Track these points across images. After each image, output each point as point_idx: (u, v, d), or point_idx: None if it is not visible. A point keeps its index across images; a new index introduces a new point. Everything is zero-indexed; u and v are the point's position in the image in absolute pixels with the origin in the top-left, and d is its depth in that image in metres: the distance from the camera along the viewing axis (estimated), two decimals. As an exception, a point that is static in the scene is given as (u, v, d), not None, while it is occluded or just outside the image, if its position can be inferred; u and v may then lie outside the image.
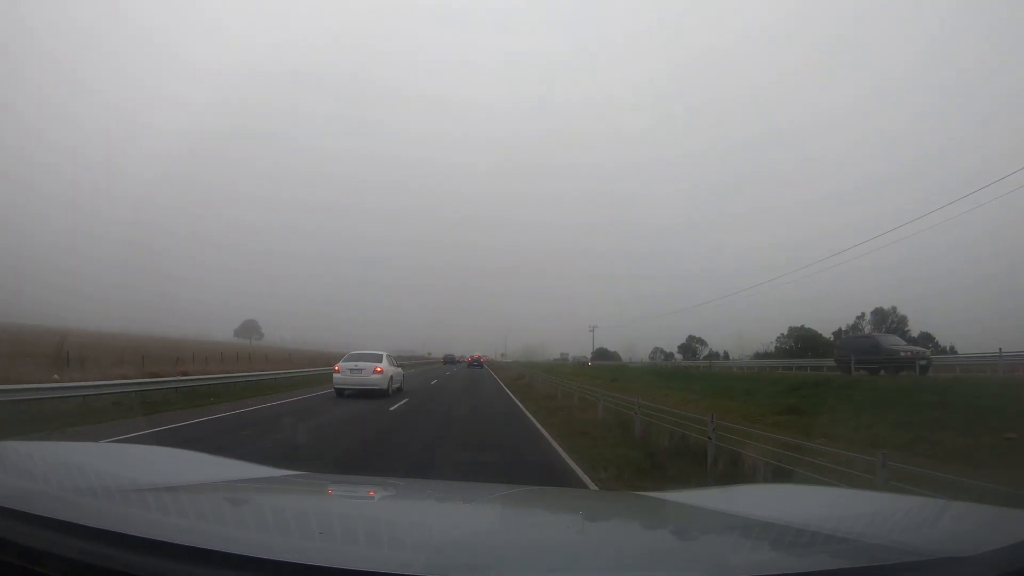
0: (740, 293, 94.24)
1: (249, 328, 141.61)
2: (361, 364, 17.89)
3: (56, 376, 15.09)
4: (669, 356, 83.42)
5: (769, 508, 1.97)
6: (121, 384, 13.99)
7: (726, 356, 70.22)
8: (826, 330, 50.89)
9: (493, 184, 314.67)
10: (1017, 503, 3.73)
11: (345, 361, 18.37)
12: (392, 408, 15.02)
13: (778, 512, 1.83)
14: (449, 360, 79.96)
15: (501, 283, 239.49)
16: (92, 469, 1.84)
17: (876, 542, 1.38)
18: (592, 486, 6.95)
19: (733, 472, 7.15)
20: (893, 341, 24.83)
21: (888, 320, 52.78)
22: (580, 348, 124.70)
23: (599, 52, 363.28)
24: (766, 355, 54.86)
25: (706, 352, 76.64)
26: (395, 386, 19.09)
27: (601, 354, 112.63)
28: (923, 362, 21.46)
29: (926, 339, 43.99)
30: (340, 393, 17.66)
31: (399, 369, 20.88)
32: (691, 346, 77.61)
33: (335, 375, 18.12)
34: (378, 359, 18.29)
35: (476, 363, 71.65)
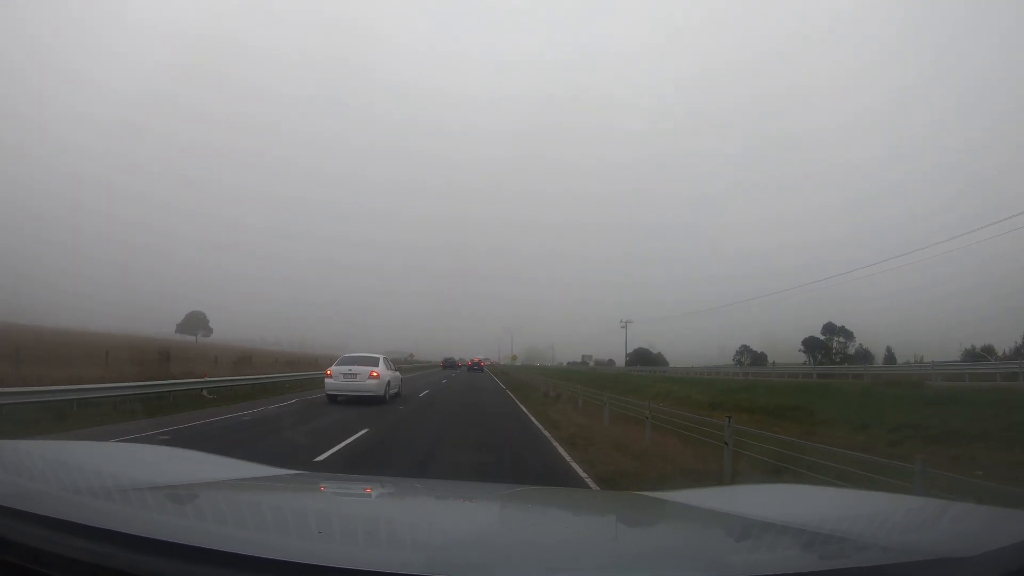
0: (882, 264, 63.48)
1: (194, 322, 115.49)
2: (356, 368, 16.20)
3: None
4: (761, 357, 56.55)
5: (769, 508, 1.96)
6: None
7: (890, 358, 43.52)
8: None
9: (493, 181, 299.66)
10: (1017, 503, 3.73)
11: (338, 365, 16.68)
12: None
13: (778, 512, 1.83)
14: (449, 364, 71.82)
15: (505, 284, 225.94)
16: (92, 468, 1.82)
17: (876, 542, 1.38)
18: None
19: None
20: None
21: None
22: (598, 350, 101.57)
23: (616, 51, 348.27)
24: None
25: (853, 348, 49.75)
26: (392, 391, 17.53)
27: (640, 357, 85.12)
28: None
29: None
30: (333, 399, 16.06)
31: (397, 373, 19.10)
32: (827, 342, 50.75)
33: (327, 380, 16.40)
34: (374, 363, 16.66)
35: (476, 367, 66.79)
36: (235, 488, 2.06)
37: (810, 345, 50.75)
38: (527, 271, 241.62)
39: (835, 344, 51.06)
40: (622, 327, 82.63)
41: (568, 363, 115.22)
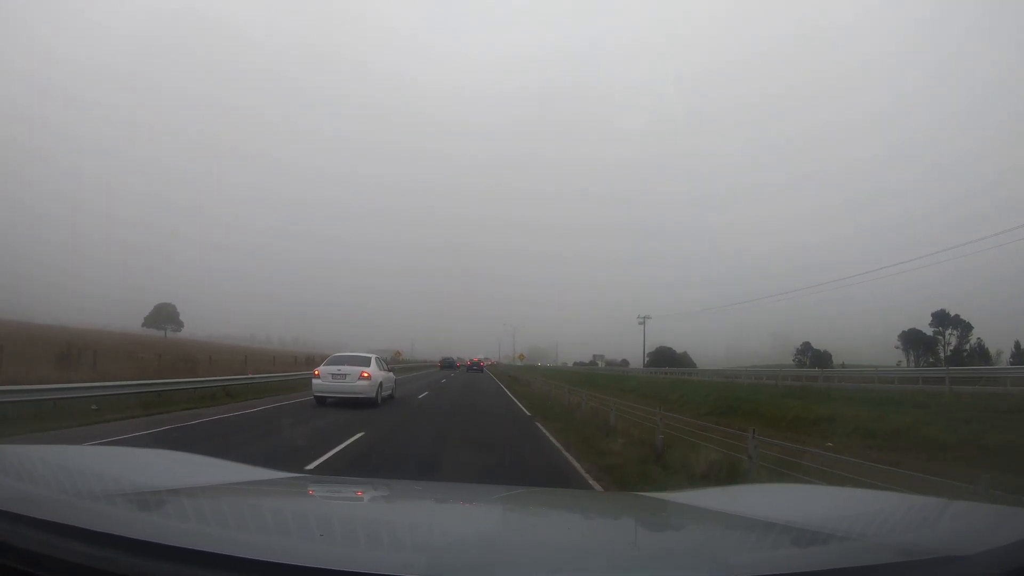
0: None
1: (163, 315, 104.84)
2: (345, 368, 15.22)
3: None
4: (825, 357, 46.20)
5: (770, 508, 1.94)
6: None
7: (1019, 355, 33.22)
8: None
9: (493, 179, 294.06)
10: (1017, 502, 3.66)
11: (327, 364, 15.78)
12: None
13: (779, 512, 1.81)
14: (447, 364, 67.22)
15: (505, 284, 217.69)
16: (93, 472, 1.81)
17: (877, 541, 1.38)
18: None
19: None
20: None
21: None
22: (602, 349, 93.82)
23: (620, 47, 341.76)
24: None
25: (968, 344, 39.25)
26: (385, 393, 16.40)
27: (663, 356, 74.67)
28: None
29: None
30: (321, 401, 15.15)
31: (390, 374, 18.02)
32: (933, 337, 40.21)
33: (315, 381, 15.45)
34: (365, 363, 15.71)
35: (476, 367, 62.44)
36: (236, 491, 2.05)
37: (910, 340, 39.96)
38: (527, 270, 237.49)
39: (949, 338, 40.29)
40: (639, 323, 72.17)
41: (574, 363, 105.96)
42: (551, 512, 2.25)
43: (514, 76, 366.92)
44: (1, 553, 1.07)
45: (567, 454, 9.41)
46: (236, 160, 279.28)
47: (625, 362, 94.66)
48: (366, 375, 15.05)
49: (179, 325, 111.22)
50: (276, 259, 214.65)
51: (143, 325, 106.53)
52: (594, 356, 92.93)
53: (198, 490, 1.91)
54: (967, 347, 39.21)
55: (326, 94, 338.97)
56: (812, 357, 46.62)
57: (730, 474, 6.81)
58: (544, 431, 12.34)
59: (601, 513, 2.32)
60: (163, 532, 1.24)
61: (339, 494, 2.40)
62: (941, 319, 41.26)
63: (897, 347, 40.70)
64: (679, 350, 75.99)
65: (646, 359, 72.61)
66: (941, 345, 39.76)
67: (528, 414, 16.20)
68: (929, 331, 40.31)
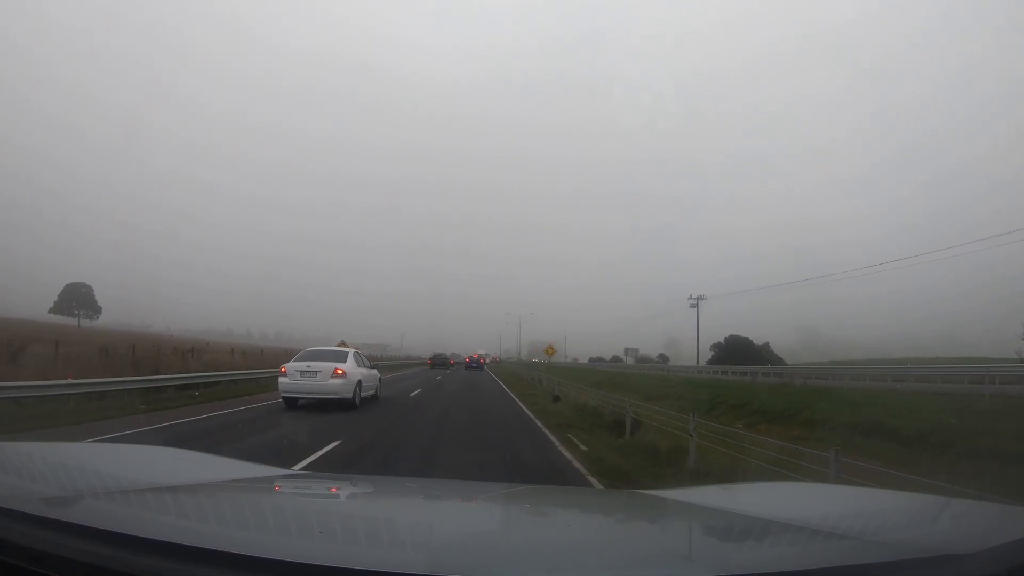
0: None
1: (75, 299, 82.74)
2: (316, 365, 13.51)
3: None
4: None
5: (770, 506, 1.96)
6: None
7: None
8: None
9: (489, 177, 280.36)
10: (1017, 500, 3.73)
11: (296, 360, 14.05)
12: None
13: (779, 510, 1.83)
14: (439, 362, 55.14)
15: (502, 282, 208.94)
16: (92, 469, 1.82)
17: (876, 539, 1.38)
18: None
19: None
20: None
21: None
22: (609, 345, 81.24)
23: (631, 42, 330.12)
24: None
25: None
26: (366, 394, 14.66)
27: (736, 348, 57.01)
28: None
29: None
30: (292, 403, 13.47)
31: (374, 371, 16.34)
32: None
33: (281, 379, 13.74)
34: (340, 358, 14.04)
35: (475, 364, 54.46)
36: (236, 488, 2.05)
37: None
38: (527, 268, 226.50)
39: None
40: (692, 305, 54.80)
41: (589, 360, 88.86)
42: (551, 510, 2.27)
43: (516, 72, 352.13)
44: (1, 550, 1.07)
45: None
46: (228, 158, 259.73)
47: (663, 358, 76.86)
48: (340, 372, 13.27)
49: (95, 311, 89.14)
50: (256, 256, 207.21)
51: (50, 311, 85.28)
52: (626, 350, 75.30)
53: (197, 487, 1.92)
54: None
55: (320, 92, 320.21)
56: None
57: None
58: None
59: (601, 511, 2.34)
60: (162, 529, 1.25)
61: (339, 491, 2.41)
62: None
63: None
64: (703, 341, 58.96)
65: (710, 354, 54.87)
66: None
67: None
68: None
